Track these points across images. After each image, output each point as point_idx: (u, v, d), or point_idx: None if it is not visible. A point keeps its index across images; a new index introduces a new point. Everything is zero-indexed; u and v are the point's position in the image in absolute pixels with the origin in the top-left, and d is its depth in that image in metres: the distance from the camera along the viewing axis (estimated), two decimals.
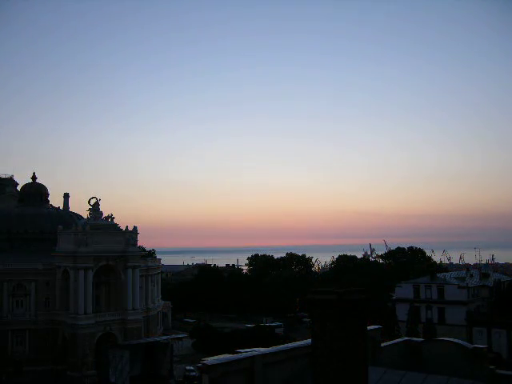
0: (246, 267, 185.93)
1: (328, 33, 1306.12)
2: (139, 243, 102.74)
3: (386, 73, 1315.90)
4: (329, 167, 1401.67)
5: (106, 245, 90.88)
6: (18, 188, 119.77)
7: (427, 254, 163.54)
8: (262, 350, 20.36)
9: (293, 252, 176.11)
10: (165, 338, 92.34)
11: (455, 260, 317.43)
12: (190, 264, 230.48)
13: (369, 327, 18.61)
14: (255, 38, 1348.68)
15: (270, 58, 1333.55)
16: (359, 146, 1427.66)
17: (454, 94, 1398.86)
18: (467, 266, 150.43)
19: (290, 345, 20.43)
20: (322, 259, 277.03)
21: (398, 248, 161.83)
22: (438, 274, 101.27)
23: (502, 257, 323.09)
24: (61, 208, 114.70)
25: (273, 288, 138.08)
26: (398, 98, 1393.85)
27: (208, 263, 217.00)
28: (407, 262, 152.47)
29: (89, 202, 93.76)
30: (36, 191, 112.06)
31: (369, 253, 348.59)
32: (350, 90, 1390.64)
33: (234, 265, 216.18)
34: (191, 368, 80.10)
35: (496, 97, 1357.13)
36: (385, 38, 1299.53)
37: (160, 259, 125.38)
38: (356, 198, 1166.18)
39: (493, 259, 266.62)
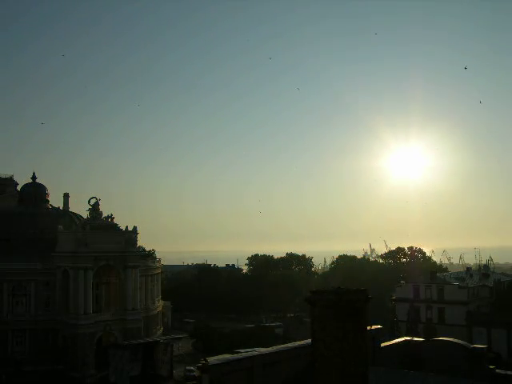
0: (246, 267, 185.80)
1: None
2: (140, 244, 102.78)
3: None
4: None
5: (106, 245, 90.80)
6: (18, 188, 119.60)
7: (427, 254, 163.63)
8: (262, 350, 20.39)
9: (293, 252, 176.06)
10: (165, 337, 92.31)
11: (455, 260, 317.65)
12: (190, 264, 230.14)
13: (369, 327, 18.60)
14: None
15: None
16: None
17: None
18: (467, 266, 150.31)
19: (290, 345, 20.46)
20: (322, 259, 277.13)
21: (398, 248, 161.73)
22: (438, 274, 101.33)
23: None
24: (61, 208, 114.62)
25: (273, 288, 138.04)
26: None
27: (208, 263, 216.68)
28: (407, 262, 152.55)
29: (89, 201, 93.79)
30: (36, 191, 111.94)
31: (369, 253, 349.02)
32: None
33: (233, 265, 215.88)
34: (191, 368, 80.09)
35: None
36: None
37: (160, 259, 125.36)
38: None
39: (491, 259, 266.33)
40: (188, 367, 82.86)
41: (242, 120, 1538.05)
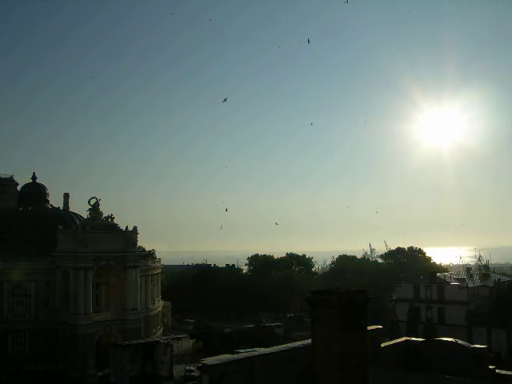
0: (246, 267, 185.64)
1: None
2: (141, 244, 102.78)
3: None
4: None
5: (105, 245, 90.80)
6: (18, 188, 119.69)
7: (427, 254, 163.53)
8: (262, 350, 20.39)
9: (293, 252, 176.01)
10: (165, 337, 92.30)
11: (455, 260, 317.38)
12: (190, 264, 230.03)
13: (369, 327, 18.61)
14: None
15: None
16: None
17: None
18: (467, 266, 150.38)
19: (290, 345, 20.44)
20: (322, 259, 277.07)
21: (398, 248, 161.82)
22: (438, 274, 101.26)
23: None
24: (61, 208, 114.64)
25: (272, 288, 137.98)
26: None
27: (208, 263, 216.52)
28: (407, 262, 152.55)
29: (89, 201, 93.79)
30: (36, 191, 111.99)
31: (369, 253, 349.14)
32: None
33: (233, 265, 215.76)
34: (191, 368, 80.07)
35: None
36: None
37: (160, 259, 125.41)
38: None
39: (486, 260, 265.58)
40: (188, 367, 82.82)
41: (249, 110, 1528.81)
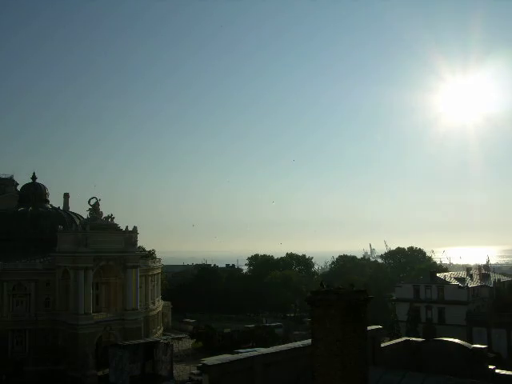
0: (246, 267, 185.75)
1: None
2: (140, 244, 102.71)
3: None
4: None
5: (105, 245, 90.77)
6: (18, 188, 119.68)
7: (427, 254, 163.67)
8: (262, 350, 20.39)
9: (293, 252, 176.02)
10: (165, 337, 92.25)
11: (455, 260, 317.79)
12: (190, 264, 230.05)
13: (369, 327, 18.58)
14: None
15: None
16: None
17: None
18: (467, 266, 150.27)
19: (290, 345, 20.44)
20: (322, 259, 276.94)
21: (398, 248, 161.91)
22: (438, 274, 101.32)
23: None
24: (61, 208, 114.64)
25: (273, 288, 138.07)
26: None
27: (208, 263, 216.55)
28: (407, 262, 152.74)
29: (89, 202, 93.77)
30: (36, 191, 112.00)
31: (369, 253, 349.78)
32: None
33: (233, 265, 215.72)
34: (197, 372, 78.92)
35: None
36: None
37: (160, 259, 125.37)
38: None
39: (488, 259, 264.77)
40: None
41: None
